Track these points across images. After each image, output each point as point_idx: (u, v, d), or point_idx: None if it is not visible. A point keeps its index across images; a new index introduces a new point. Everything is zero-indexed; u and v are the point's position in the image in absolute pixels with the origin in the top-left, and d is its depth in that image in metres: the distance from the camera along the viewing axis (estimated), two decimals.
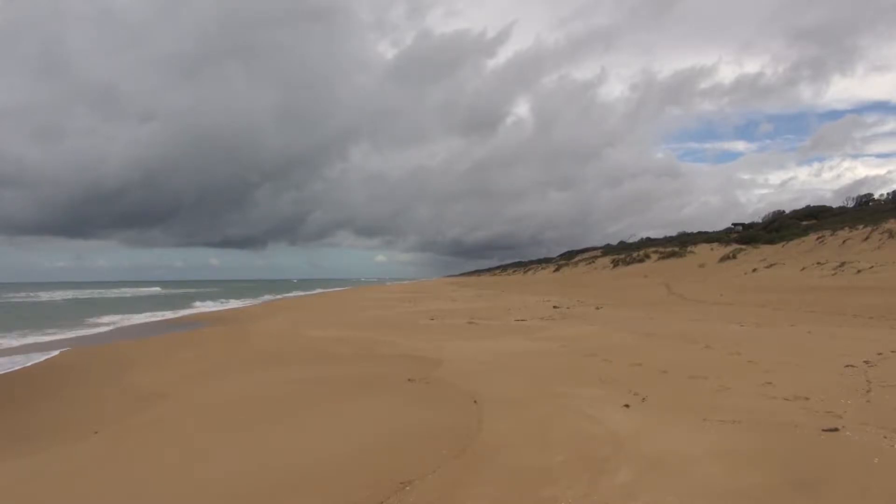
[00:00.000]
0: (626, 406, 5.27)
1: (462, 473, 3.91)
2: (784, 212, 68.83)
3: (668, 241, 68.00)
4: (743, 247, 48.01)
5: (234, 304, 35.55)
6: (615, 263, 57.90)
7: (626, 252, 64.09)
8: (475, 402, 5.70)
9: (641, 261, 54.66)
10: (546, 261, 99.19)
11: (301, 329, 13.33)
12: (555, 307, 18.46)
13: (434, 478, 3.89)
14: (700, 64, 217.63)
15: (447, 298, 28.28)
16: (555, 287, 38.16)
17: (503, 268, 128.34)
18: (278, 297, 47.35)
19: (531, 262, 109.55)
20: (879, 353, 7.07)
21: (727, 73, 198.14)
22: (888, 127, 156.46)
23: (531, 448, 4.30)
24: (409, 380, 6.96)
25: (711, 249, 51.09)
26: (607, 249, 76.64)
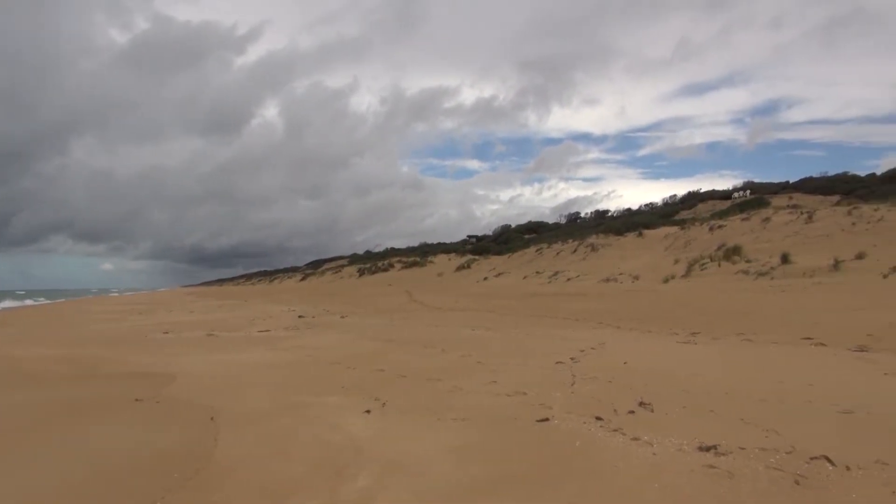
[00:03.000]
0: (368, 412, 5.41)
1: (194, 497, 3.67)
2: (511, 226, 76.29)
3: (410, 250, 71.22)
4: (476, 257, 52.15)
5: None
6: (361, 272, 59.07)
7: (371, 261, 65.73)
8: (212, 418, 5.40)
9: (386, 270, 56.49)
10: (293, 269, 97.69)
11: (4, 348, 11.42)
12: (300, 317, 18.26)
13: None
14: (445, 84, 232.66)
15: (184, 310, 26.35)
16: (301, 296, 37.75)
17: (248, 277, 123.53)
18: None
19: (277, 271, 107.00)
20: (582, 351, 8.18)
21: (468, 96, 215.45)
22: (593, 155, 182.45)
23: (272, 462, 4.20)
24: (136, 399, 6.34)
25: (449, 259, 54.65)
26: (354, 258, 77.85)
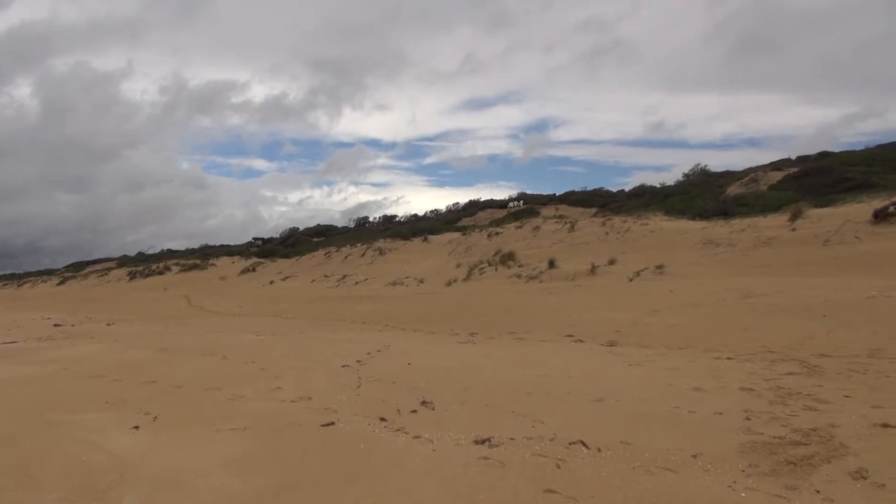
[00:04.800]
0: (136, 427, 4.97)
1: None
2: (299, 228, 74.95)
3: (190, 253, 66.88)
4: (262, 260, 50.43)
5: None
6: (132, 276, 54.07)
7: (144, 264, 60.48)
8: None
9: (161, 273, 52.35)
10: (49, 272, 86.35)
11: None
12: (56, 325, 16.23)
13: None
14: (233, 78, 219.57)
15: None
16: (59, 302, 33.57)
17: None
18: None
19: (29, 274, 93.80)
20: (368, 353, 8.28)
21: (257, 92, 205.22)
22: (382, 161, 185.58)
23: (17, 494, 3.68)
24: None
25: (233, 262, 52.21)
26: (124, 260, 71.13)
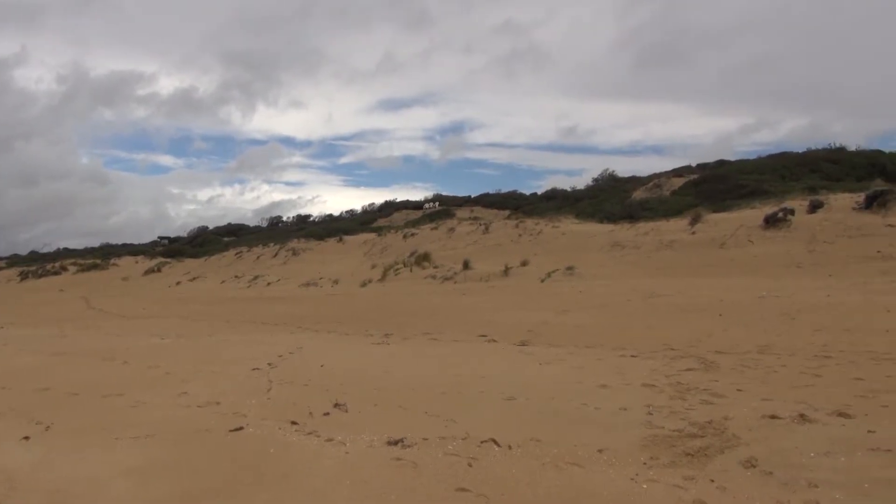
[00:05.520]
0: (26, 438, 4.66)
1: None
2: (209, 227, 72.52)
3: (89, 252, 63.39)
4: (168, 260, 48.46)
5: None
6: (24, 276, 50.59)
7: (38, 263, 56.77)
8: None
9: (58, 273, 49.26)
10: None
11: None
12: None
13: None
14: (140, 69, 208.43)
15: None
16: None
17: None
18: None
19: None
20: (280, 356, 8.11)
21: (166, 84, 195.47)
22: (296, 159, 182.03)
23: None
24: None
25: (136, 262, 49.91)
26: (14, 260, 66.47)
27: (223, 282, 34.27)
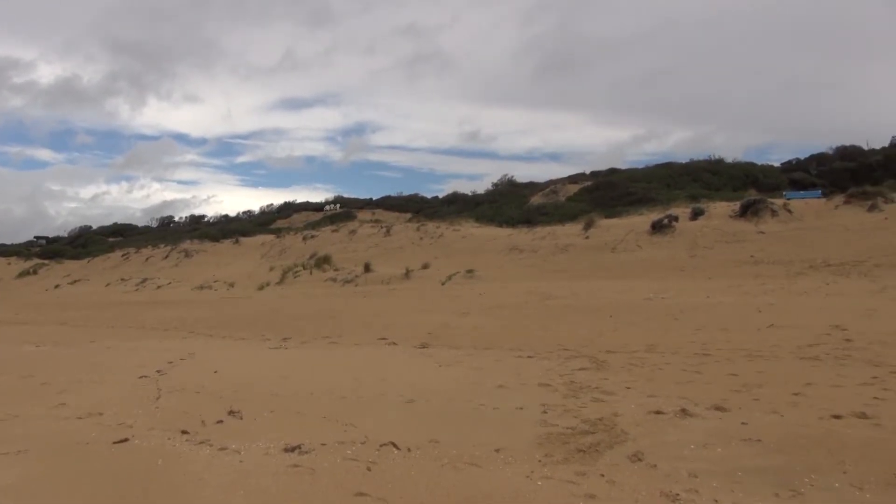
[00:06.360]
0: None
1: None
2: (92, 227, 68.25)
3: None
4: (46, 262, 45.19)
5: None
6: None
7: None
8: None
9: None
10: None
11: None
12: None
13: None
14: (16, 55, 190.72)
15: None
16: None
17: None
18: None
19: None
20: (170, 362, 7.75)
21: (45, 73, 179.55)
22: (190, 157, 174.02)
23: None
24: None
25: (9, 264, 46.21)
26: None
27: (108, 285, 32.34)
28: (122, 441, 4.42)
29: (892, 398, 4.80)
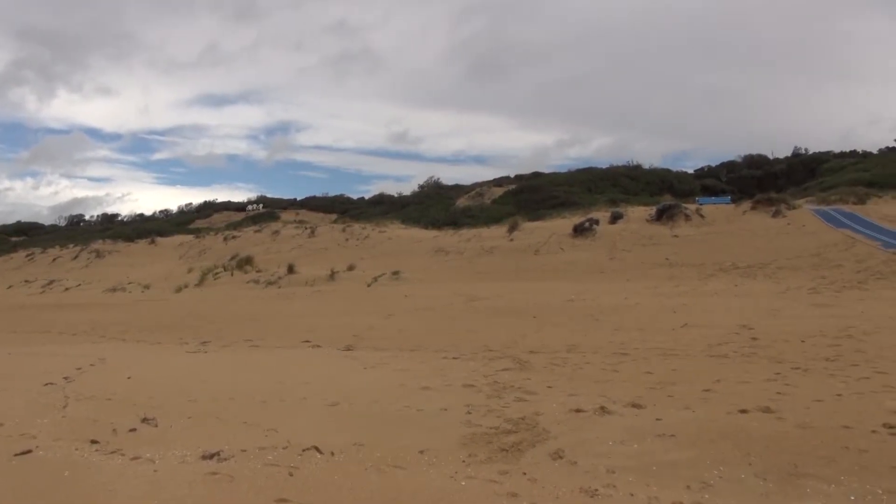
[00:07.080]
0: None
1: None
2: None
3: None
4: None
5: None
6: None
7: None
8: None
9: None
10: None
11: None
12: None
13: None
14: None
15: None
16: None
17: None
18: None
19: None
20: (79, 368, 7.36)
21: None
22: (103, 153, 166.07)
23: None
24: None
25: None
26: None
27: (10, 287, 30.43)
28: (24, 453, 4.15)
29: (794, 393, 5.11)
